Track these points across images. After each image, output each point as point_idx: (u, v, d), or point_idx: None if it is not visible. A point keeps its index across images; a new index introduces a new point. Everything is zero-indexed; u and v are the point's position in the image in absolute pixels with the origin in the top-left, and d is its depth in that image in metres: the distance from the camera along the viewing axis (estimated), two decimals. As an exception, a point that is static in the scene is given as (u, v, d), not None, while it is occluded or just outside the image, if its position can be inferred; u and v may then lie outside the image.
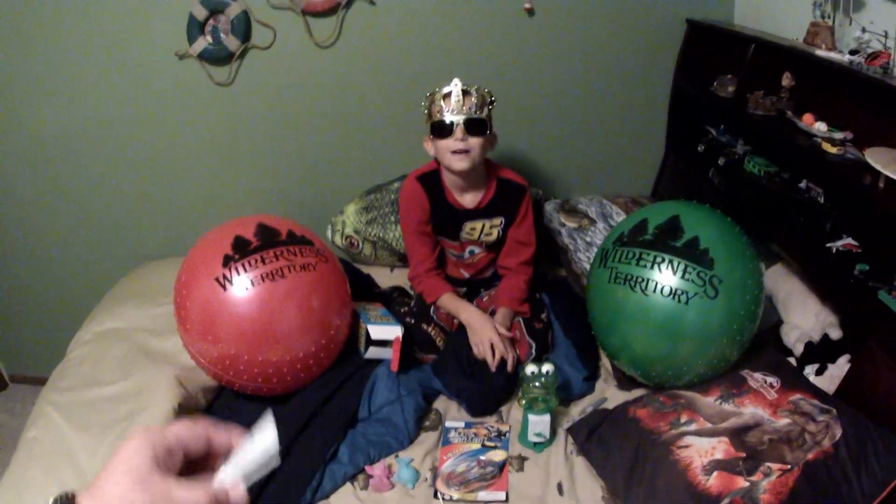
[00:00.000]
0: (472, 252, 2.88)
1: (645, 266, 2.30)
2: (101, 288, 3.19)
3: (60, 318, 3.64)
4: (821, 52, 2.42)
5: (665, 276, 2.25)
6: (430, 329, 2.73)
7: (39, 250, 3.51)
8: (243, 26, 2.97)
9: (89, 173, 3.31)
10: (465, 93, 2.52)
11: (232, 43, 2.99)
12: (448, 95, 2.52)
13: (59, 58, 3.04)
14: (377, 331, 2.58)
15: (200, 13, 2.94)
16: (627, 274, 2.33)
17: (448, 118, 2.52)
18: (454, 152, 2.56)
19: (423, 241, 2.86)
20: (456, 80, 2.50)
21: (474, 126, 2.54)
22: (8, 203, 3.37)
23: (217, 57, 3.04)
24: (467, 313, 2.71)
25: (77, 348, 2.71)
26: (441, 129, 2.55)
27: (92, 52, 3.04)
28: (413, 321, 2.75)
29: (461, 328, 2.73)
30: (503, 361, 2.58)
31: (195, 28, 2.97)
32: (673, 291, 2.23)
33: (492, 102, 2.61)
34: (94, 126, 3.18)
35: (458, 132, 2.52)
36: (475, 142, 2.56)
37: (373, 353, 2.59)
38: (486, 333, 2.61)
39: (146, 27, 3.01)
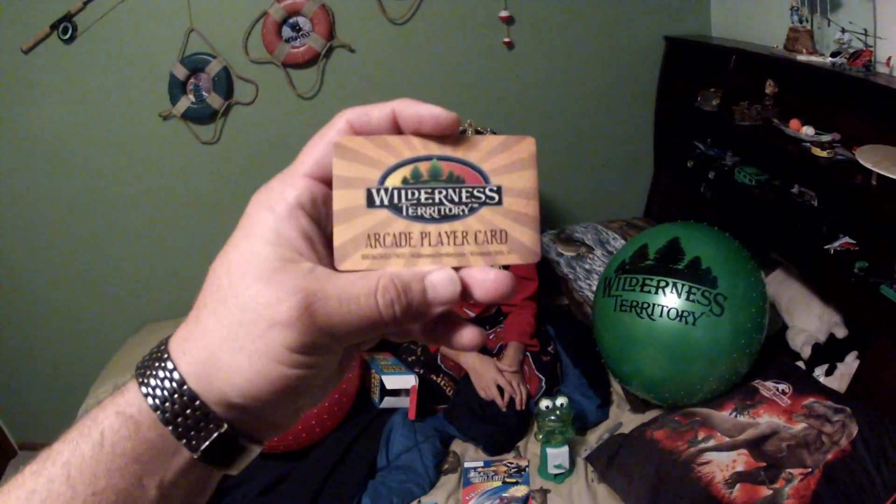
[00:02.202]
0: None
1: (649, 291, 2.31)
2: (107, 352, 3.18)
3: (68, 383, 3.61)
4: (802, 58, 2.44)
5: (670, 300, 2.26)
6: (439, 380, 2.72)
7: (43, 316, 3.49)
8: (225, 83, 2.97)
9: (85, 241, 3.28)
10: (478, 131, 2.50)
11: (215, 101, 3.00)
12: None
13: (43, 133, 3.02)
14: (392, 381, 2.58)
15: (181, 73, 2.94)
16: (633, 301, 2.34)
17: None
18: None
19: None
20: (470, 121, 2.49)
21: None
22: (10, 274, 3.35)
23: (201, 115, 3.04)
24: (468, 357, 2.70)
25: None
26: None
27: (75, 121, 3.03)
28: (422, 371, 2.74)
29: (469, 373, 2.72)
30: (513, 400, 2.58)
31: (177, 88, 2.97)
32: (679, 314, 2.24)
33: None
34: (84, 195, 3.16)
35: None
36: None
37: (388, 402, 2.60)
38: (489, 375, 2.60)
39: (128, 91, 3.00)
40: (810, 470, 2.02)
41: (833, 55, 2.36)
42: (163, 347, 0.45)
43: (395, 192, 0.47)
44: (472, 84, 3.22)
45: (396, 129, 0.47)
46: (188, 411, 0.43)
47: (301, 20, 2.94)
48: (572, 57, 3.24)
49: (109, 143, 3.10)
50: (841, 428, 2.10)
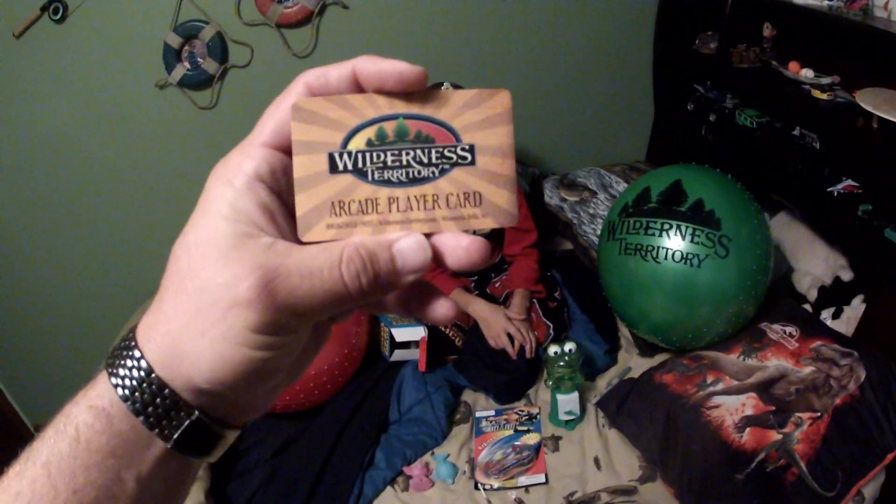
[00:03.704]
0: None
1: (653, 234, 2.31)
2: (120, 327, 3.18)
3: (82, 364, 3.61)
4: (799, 0, 2.43)
5: (674, 242, 2.26)
6: (447, 331, 2.73)
7: (53, 298, 3.49)
8: (219, 48, 2.95)
9: (90, 219, 3.28)
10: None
11: (210, 66, 2.98)
12: None
13: (41, 116, 3.01)
14: (401, 333, 2.60)
15: (175, 41, 2.91)
16: (637, 244, 2.34)
17: None
18: None
19: None
20: (446, 84, 2.45)
21: None
22: (17, 254, 3.34)
23: (197, 82, 3.02)
24: (477, 307, 2.69)
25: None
26: None
27: (73, 100, 3.01)
28: (431, 324, 2.73)
29: (478, 323, 2.72)
30: (523, 348, 2.59)
31: (171, 56, 2.94)
32: (684, 256, 2.24)
33: None
34: (86, 172, 3.15)
35: None
36: None
37: (398, 355, 2.61)
38: (499, 324, 2.60)
39: (123, 64, 2.98)
40: (819, 414, 2.03)
41: (830, -2, 2.35)
42: (130, 335, 0.44)
43: (360, 156, 0.44)
44: (467, 35, 3.20)
45: (358, 88, 0.45)
46: (157, 400, 0.41)
47: (293, -21, 2.92)
48: (568, 2, 3.21)
49: (108, 117, 3.08)
50: (849, 372, 2.11)
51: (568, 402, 2.36)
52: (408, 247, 0.43)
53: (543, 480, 2.23)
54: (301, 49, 3.04)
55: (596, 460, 2.27)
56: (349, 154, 0.43)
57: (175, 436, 0.42)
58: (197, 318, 0.40)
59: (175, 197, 3.26)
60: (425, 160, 0.44)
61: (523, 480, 2.23)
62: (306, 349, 0.47)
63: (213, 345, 0.40)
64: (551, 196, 3.24)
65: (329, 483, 2.25)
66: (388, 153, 0.44)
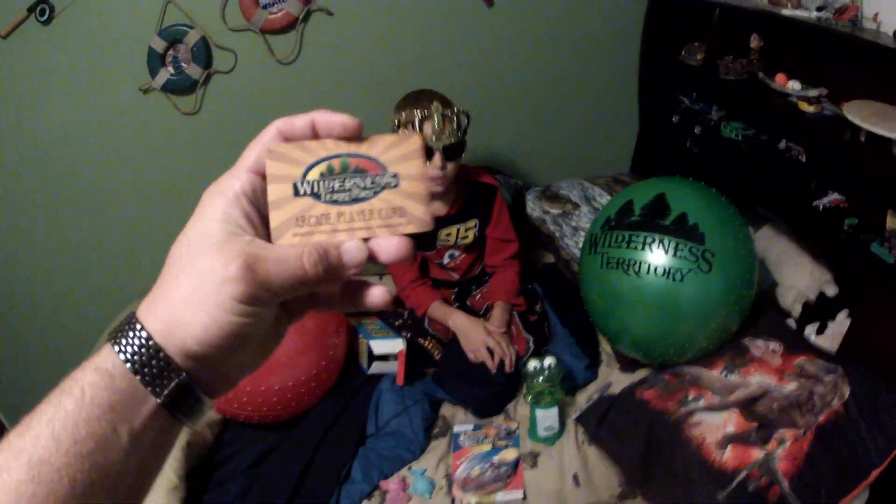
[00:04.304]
0: (451, 256, 2.83)
1: (636, 248, 2.28)
2: (99, 331, 3.16)
3: (59, 364, 3.61)
4: (787, 12, 2.42)
5: (657, 256, 2.23)
6: (426, 343, 2.71)
7: (35, 303, 3.47)
8: (203, 53, 2.93)
9: (72, 222, 3.25)
10: (445, 117, 2.41)
11: (194, 71, 2.96)
12: (426, 119, 2.40)
13: (26, 115, 2.99)
14: (380, 345, 2.58)
15: (159, 45, 2.89)
16: (619, 258, 2.31)
17: (427, 144, 2.40)
18: (431, 178, 2.47)
19: (409, 270, 2.81)
20: (437, 105, 2.41)
21: (453, 151, 2.46)
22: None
23: (181, 87, 3.00)
24: (456, 320, 2.67)
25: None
26: None
27: (57, 101, 2.99)
28: (409, 335, 2.72)
29: (457, 336, 2.69)
30: (502, 361, 2.56)
31: (156, 60, 2.92)
32: (666, 270, 2.21)
33: (468, 122, 2.52)
34: (68, 174, 3.13)
35: (437, 159, 2.42)
36: (452, 165, 2.49)
37: (376, 368, 2.59)
38: (478, 337, 2.58)
39: (108, 68, 2.97)
40: (803, 431, 2.01)
41: (818, 9, 2.34)
42: (130, 314, 0.54)
43: (315, 184, 0.58)
44: (452, 43, 3.19)
45: (316, 133, 0.59)
46: (153, 362, 0.51)
47: (278, -14, 2.90)
48: (553, 12, 3.21)
49: (91, 120, 3.06)
50: (833, 388, 2.09)
51: (547, 417, 2.34)
52: (352, 247, 0.57)
53: (521, 497, 2.21)
54: (285, 55, 3.03)
55: (575, 477, 2.25)
56: (308, 183, 0.58)
57: (165, 391, 0.52)
58: (197, 292, 0.52)
59: (158, 200, 3.25)
60: (362, 185, 0.58)
61: (501, 496, 2.21)
62: (268, 340, 0.60)
63: (208, 312, 0.51)
64: (533, 208, 3.21)
65: (305, 495, 2.23)
66: (336, 181, 0.58)
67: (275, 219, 0.57)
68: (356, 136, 0.59)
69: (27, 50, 2.88)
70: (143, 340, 0.52)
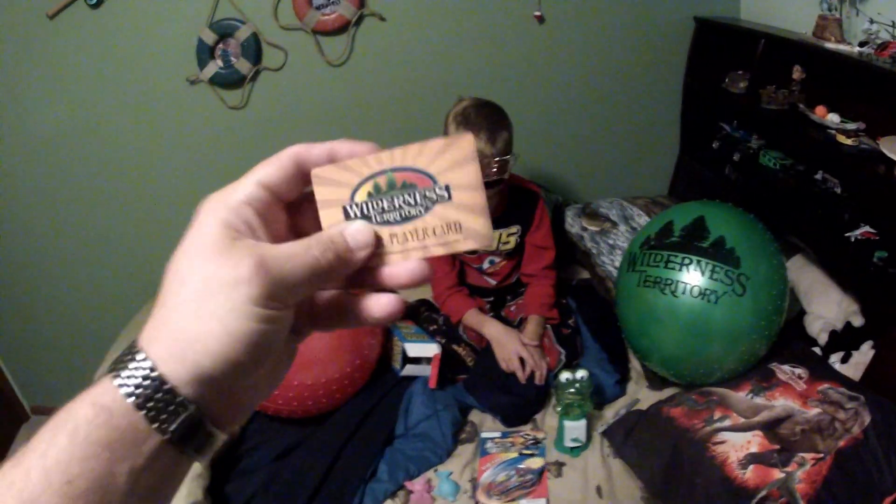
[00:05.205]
0: (492, 262, 2.88)
1: (673, 268, 2.33)
2: (123, 316, 3.20)
3: (81, 346, 3.64)
4: (830, 45, 2.45)
5: (693, 277, 2.28)
6: (460, 349, 2.74)
7: (59, 280, 3.52)
8: (254, 49, 2.98)
9: (110, 204, 3.31)
10: (486, 160, 2.42)
11: (243, 66, 3.00)
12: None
13: (70, 98, 3.05)
14: (414, 349, 2.60)
15: (209, 37, 2.94)
16: (656, 277, 2.36)
17: None
18: None
19: (440, 259, 2.82)
20: (483, 147, 2.40)
21: (495, 183, 2.50)
22: (28, 235, 3.37)
23: (229, 81, 3.05)
24: (491, 328, 2.70)
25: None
26: None
27: (102, 86, 3.04)
28: (444, 341, 2.75)
29: (490, 345, 2.71)
30: (533, 373, 2.59)
31: (205, 52, 2.97)
32: (702, 292, 2.26)
33: (514, 161, 2.53)
34: (109, 158, 3.19)
35: None
36: (493, 192, 2.53)
37: (409, 370, 2.62)
38: (511, 346, 2.61)
39: (155, 56, 3.02)
40: (822, 455, 2.04)
41: (861, 45, 2.37)
42: (132, 343, 0.49)
43: (364, 205, 0.55)
44: (501, 57, 3.22)
45: (330, 161, 0.55)
46: (158, 395, 0.46)
47: (332, -13, 2.94)
48: (602, 33, 3.24)
49: (136, 108, 3.11)
50: (854, 415, 2.12)
51: (575, 428, 2.37)
52: (355, 230, 0.54)
53: (545, 505, 2.24)
54: (335, 57, 3.07)
55: (598, 489, 2.28)
56: (356, 205, 0.55)
57: (172, 427, 0.47)
58: (206, 303, 0.47)
59: (196, 192, 3.22)
60: (412, 202, 0.54)
61: (524, 503, 2.24)
62: (280, 359, 0.56)
63: (221, 321, 0.47)
64: (572, 224, 3.25)
65: (329, 490, 2.26)
66: (384, 200, 0.55)
67: None
68: (400, 147, 0.55)
69: (74, 32, 2.92)
70: (146, 371, 0.47)
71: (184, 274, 0.49)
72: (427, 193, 0.54)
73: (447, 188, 0.54)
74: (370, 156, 0.54)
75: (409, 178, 0.54)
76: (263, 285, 0.48)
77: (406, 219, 0.54)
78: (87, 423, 0.45)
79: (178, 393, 0.47)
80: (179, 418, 0.47)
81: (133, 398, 0.46)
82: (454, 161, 0.53)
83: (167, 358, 0.47)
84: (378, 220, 0.55)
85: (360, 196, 0.55)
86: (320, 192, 0.55)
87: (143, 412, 0.46)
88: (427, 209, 0.54)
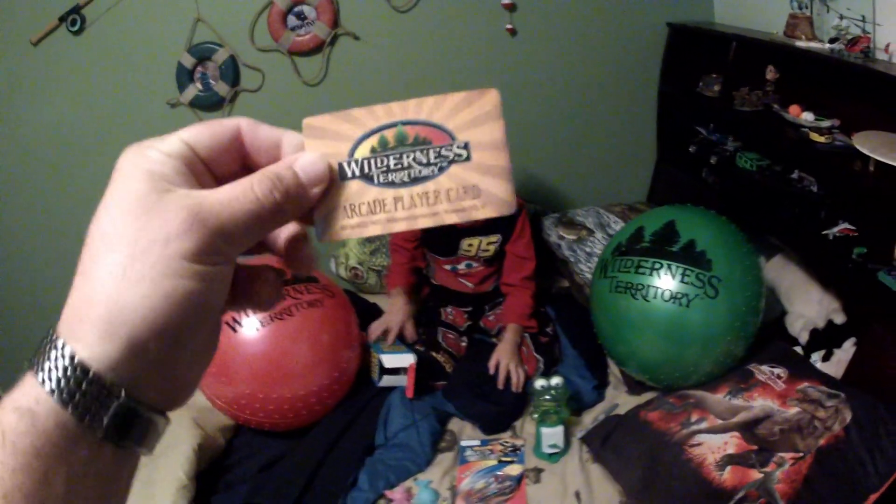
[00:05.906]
0: (469, 265, 2.89)
1: (644, 273, 2.33)
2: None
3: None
4: (801, 44, 2.45)
5: (664, 282, 2.28)
6: (439, 356, 2.75)
7: (40, 287, 3.52)
8: (232, 71, 3.02)
9: (86, 224, 3.32)
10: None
11: (222, 88, 3.05)
12: None
13: (52, 124, 3.09)
14: (390, 360, 2.62)
15: (188, 61, 2.99)
16: (627, 282, 2.37)
17: None
18: None
19: (401, 253, 2.94)
20: None
21: None
22: (14, 253, 3.40)
23: (208, 103, 3.09)
24: (393, 301, 2.89)
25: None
26: None
27: (84, 111, 3.08)
28: (423, 349, 2.76)
29: (469, 352, 2.75)
30: (509, 381, 2.60)
31: (184, 76, 3.02)
32: (673, 295, 2.26)
33: None
34: (92, 183, 3.17)
35: None
36: None
37: (387, 381, 2.63)
38: (395, 318, 2.81)
39: (137, 80, 3.06)
40: (802, 455, 2.03)
41: (831, 41, 2.37)
42: (50, 331, 0.43)
43: (365, 162, 0.48)
44: (475, 71, 3.25)
45: (276, 158, 0.49)
46: (84, 386, 0.41)
47: (306, 9, 2.98)
48: (575, 42, 3.27)
49: (118, 132, 3.13)
50: (834, 413, 2.11)
51: (552, 435, 2.37)
52: (308, 162, 0.47)
53: (524, 511, 2.23)
54: (311, 77, 3.10)
55: (577, 494, 2.27)
56: (356, 161, 0.48)
57: (105, 422, 0.41)
58: (135, 266, 0.41)
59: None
60: (425, 160, 0.47)
61: (503, 510, 2.23)
62: (217, 325, 0.48)
63: (154, 284, 0.41)
64: (549, 234, 3.26)
65: (312, 499, 2.27)
66: (391, 157, 0.48)
67: (319, 209, 0.48)
68: (413, 99, 0.49)
69: (56, 58, 2.96)
70: (67, 360, 0.41)
71: (108, 235, 0.43)
72: (443, 151, 0.48)
73: (466, 146, 0.48)
74: (377, 106, 0.48)
75: (422, 133, 0.48)
76: (199, 238, 0.42)
77: (415, 180, 0.48)
78: (11, 432, 0.40)
79: (105, 379, 0.41)
80: (111, 410, 0.41)
81: (57, 394, 0.40)
82: (476, 117, 0.48)
83: (93, 339, 0.41)
84: (381, 180, 0.48)
85: (363, 151, 0.48)
86: (313, 146, 0.48)
87: (70, 409, 0.41)
88: (441, 169, 0.48)
